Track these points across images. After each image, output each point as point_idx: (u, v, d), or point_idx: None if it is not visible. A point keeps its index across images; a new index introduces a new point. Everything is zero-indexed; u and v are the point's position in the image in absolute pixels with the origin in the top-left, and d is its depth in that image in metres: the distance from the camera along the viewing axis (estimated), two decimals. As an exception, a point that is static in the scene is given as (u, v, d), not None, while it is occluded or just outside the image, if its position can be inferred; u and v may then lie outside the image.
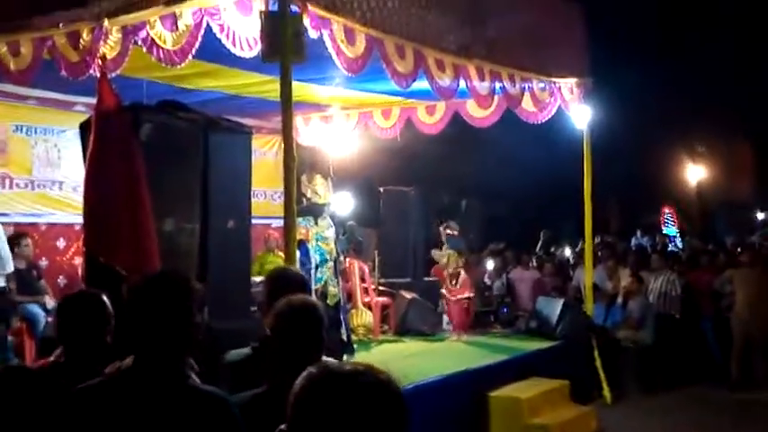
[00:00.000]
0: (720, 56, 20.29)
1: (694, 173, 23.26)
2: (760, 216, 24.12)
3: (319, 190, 8.87)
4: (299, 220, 7.85)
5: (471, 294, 9.90)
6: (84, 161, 5.68)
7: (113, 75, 6.02)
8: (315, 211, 8.79)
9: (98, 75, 5.85)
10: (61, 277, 9.45)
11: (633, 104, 17.32)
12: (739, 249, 11.94)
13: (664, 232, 19.21)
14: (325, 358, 2.88)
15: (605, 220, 18.41)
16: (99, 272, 5.14)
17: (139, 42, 6.13)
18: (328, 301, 7.97)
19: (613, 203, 20.61)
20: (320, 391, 1.35)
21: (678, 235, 18.87)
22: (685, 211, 21.48)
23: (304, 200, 8.82)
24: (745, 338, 9.83)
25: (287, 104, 5.70)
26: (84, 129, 5.90)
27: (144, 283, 2.47)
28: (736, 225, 21.15)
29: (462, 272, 9.89)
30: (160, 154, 5.58)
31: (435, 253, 10.67)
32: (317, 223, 8.52)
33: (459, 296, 9.75)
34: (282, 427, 1.40)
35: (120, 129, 5.37)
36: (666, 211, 20.23)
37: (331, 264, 8.36)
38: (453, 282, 9.82)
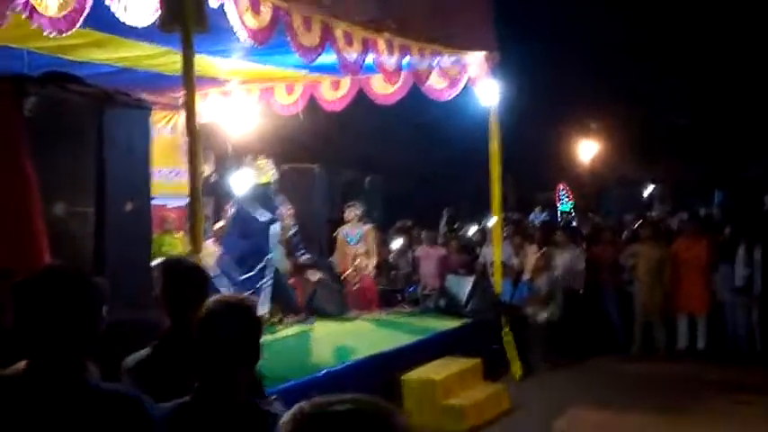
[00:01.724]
0: (616, 34, 20.84)
1: (587, 149, 23.81)
2: (646, 192, 25.03)
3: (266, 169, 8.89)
4: None
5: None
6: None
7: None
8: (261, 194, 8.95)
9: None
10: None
11: (529, 81, 17.50)
12: (637, 225, 12.22)
13: (559, 208, 19.59)
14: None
15: (503, 197, 18.59)
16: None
17: (18, 8, 5.57)
18: None
19: (510, 179, 20.85)
20: None
21: (573, 211, 19.28)
22: (579, 188, 22.01)
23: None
24: (646, 311, 10.07)
25: (189, 78, 5.32)
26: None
27: (34, 278, 2.16)
28: (626, 201, 21.85)
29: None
30: (48, 131, 5.04)
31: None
32: None
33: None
34: None
35: (-1, 103, 4.81)
36: (561, 187, 20.63)
37: None
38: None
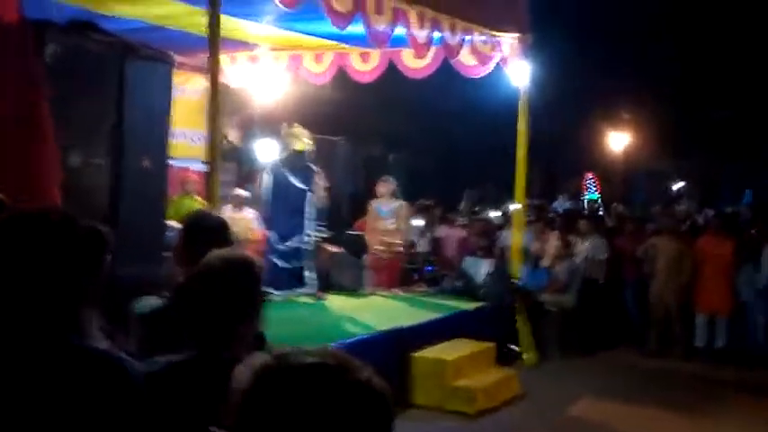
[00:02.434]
0: (653, 22, 20.41)
1: (618, 139, 23.44)
2: (676, 186, 24.67)
3: (302, 137, 8.84)
4: None
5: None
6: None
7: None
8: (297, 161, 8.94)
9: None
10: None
11: (561, 67, 17.23)
12: (657, 216, 12.01)
13: (586, 197, 19.37)
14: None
15: (528, 183, 18.38)
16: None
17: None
18: None
19: (536, 165, 20.60)
20: (276, 392, 0.96)
21: (599, 201, 19.05)
22: (607, 177, 21.72)
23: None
24: (664, 306, 9.88)
25: (214, 39, 5.26)
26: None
27: (7, 219, 1.98)
28: (654, 193, 21.55)
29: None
30: (67, 79, 4.98)
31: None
32: None
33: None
34: (214, 429, 1.01)
35: (20, 46, 4.73)
36: (589, 176, 20.39)
37: None
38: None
